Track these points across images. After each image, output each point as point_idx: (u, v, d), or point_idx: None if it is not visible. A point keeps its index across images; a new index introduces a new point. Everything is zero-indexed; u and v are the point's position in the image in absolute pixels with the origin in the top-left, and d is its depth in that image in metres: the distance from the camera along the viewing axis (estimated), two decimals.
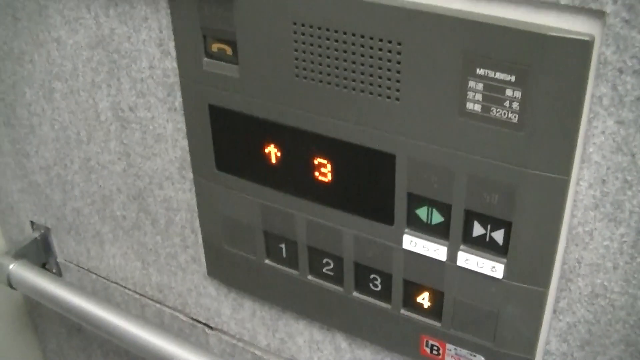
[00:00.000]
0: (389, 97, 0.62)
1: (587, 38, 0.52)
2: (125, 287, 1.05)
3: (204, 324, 0.98)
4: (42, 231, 1.11)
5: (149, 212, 0.92)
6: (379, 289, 0.75)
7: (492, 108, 0.58)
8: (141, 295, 1.03)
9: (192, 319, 0.99)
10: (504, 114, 0.57)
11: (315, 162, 0.70)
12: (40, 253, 1.12)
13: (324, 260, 0.77)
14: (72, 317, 1.06)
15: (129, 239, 0.98)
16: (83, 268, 1.09)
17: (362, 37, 0.61)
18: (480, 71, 0.57)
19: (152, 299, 1.02)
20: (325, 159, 0.69)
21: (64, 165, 0.98)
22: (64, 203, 1.03)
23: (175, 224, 0.90)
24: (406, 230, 0.69)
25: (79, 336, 1.24)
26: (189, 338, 1.01)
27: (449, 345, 0.73)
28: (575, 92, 0.54)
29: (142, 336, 0.99)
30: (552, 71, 0.54)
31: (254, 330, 0.93)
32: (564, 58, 0.53)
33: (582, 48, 0.53)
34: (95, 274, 1.08)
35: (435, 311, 0.72)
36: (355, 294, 0.77)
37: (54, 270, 1.14)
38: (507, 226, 0.63)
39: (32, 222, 1.11)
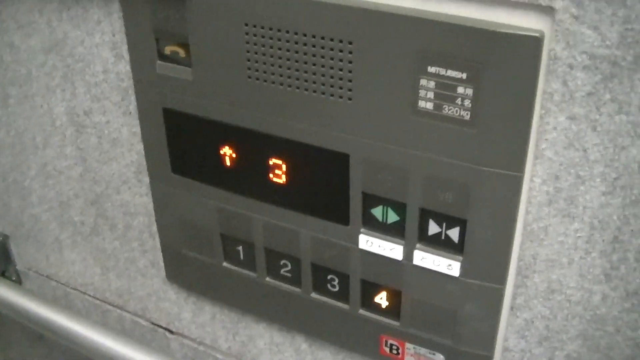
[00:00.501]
0: (341, 97, 0.62)
1: (537, 34, 0.52)
2: (85, 294, 1.04)
3: (165, 329, 0.98)
4: (0, 239, 1.09)
5: (107, 217, 0.92)
6: (337, 289, 0.75)
7: (444, 106, 0.58)
8: (102, 301, 1.02)
9: (153, 323, 0.98)
10: (456, 111, 0.58)
11: (270, 163, 0.70)
12: None
13: (282, 262, 0.77)
14: (33, 326, 1.05)
15: (88, 245, 0.97)
16: (43, 275, 1.08)
17: (313, 37, 0.61)
18: (431, 69, 0.57)
19: (112, 305, 1.02)
20: (280, 160, 0.69)
21: (20, 171, 0.97)
22: (22, 210, 1.02)
23: (133, 229, 0.90)
24: (362, 230, 0.69)
25: (41, 344, 1.22)
26: (151, 343, 1.00)
27: (408, 345, 0.73)
28: (527, 88, 0.55)
29: (104, 343, 0.99)
30: (503, 68, 0.54)
31: (214, 334, 0.92)
32: (514, 54, 0.54)
33: (532, 44, 0.53)
34: (55, 280, 1.07)
35: (394, 311, 0.72)
36: (313, 295, 0.77)
37: (14, 278, 1.13)
38: (462, 224, 0.63)
39: None
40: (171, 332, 0.97)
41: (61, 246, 1.01)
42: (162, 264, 0.90)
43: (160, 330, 0.98)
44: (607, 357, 0.64)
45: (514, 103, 0.55)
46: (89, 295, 1.04)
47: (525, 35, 0.53)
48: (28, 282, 1.11)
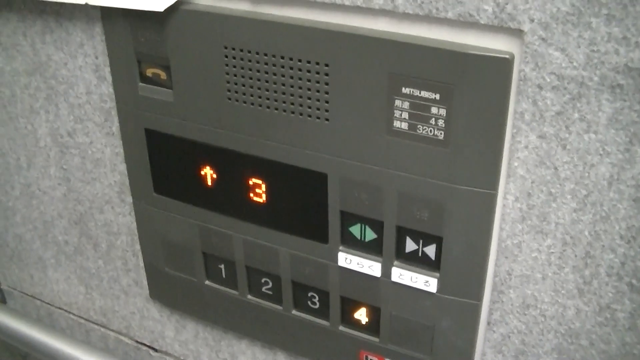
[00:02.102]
0: (318, 118, 0.63)
1: (506, 56, 0.54)
2: (69, 312, 1.04)
3: (149, 347, 0.98)
4: None
5: (91, 237, 0.92)
6: (317, 306, 0.75)
7: (418, 126, 0.59)
8: (85, 320, 1.03)
9: (137, 341, 0.99)
10: (430, 131, 0.59)
11: (250, 183, 0.71)
12: None
13: (263, 280, 0.77)
14: (18, 345, 1.05)
15: (72, 264, 0.97)
16: (27, 294, 1.08)
17: (291, 59, 0.62)
18: (405, 90, 0.58)
19: (96, 324, 1.02)
20: (260, 179, 0.70)
21: (4, 191, 0.97)
22: (6, 229, 1.02)
23: (117, 248, 0.90)
24: (341, 247, 0.69)
25: None
26: None
27: None
28: (498, 108, 0.56)
29: None
30: (475, 89, 0.55)
31: (197, 352, 0.92)
32: (485, 76, 0.55)
33: (502, 66, 0.54)
34: (40, 299, 1.07)
35: (373, 327, 0.73)
36: (294, 312, 0.77)
37: None
38: (439, 241, 0.64)
39: None
40: (155, 350, 0.97)
41: (45, 265, 1.01)
42: (145, 282, 0.90)
43: (144, 348, 0.98)
44: None
45: (486, 122, 0.56)
46: (73, 314, 1.04)
47: (495, 57, 0.54)
48: (12, 301, 1.11)
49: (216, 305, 0.83)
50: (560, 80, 0.53)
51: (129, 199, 0.84)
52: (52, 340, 1.02)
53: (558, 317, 0.63)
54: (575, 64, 0.52)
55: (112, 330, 1.00)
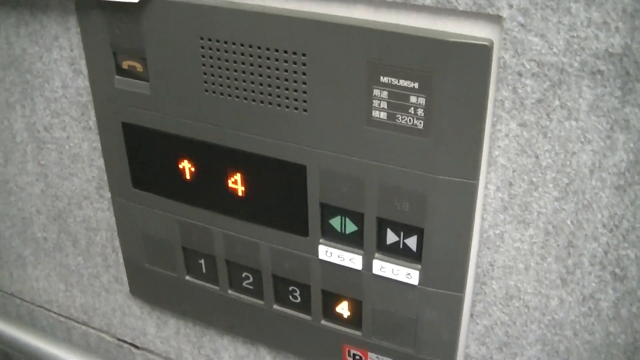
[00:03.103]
0: (296, 109, 0.62)
1: (485, 43, 0.53)
2: (50, 310, 1.03)
3: (130, 344, 0.97)
4: None
5: (70, 233, 0.91)
6: (298, 300, 0.75)
7: (397, 115, 0.58)
8: (66, 317, 1.02)
9: (118, 339, 0.98)
10: (410, 120, 0.58)
11: (228, 176, 0.70)
12: None
13: (243, 274, 0.77)
14: None
15: (51, 261, 0.97)
16: (6, 292, 1.07)
17: (267, 49, 0.61)
18: (384, 79, 0.57)
19: (77, 321, 1.01)
20: (238, 172, 0.69)
21: None
22: None
23: (96, 244, 0.89)
24: (321, 240, 0.69)
25: None
26: (116, 359, 1.00)
27: (371, 354, 0.73)
28: (478, 96, 0.55)
29: None
30: (454, 76, 0.55)
31: (179, 348, 0.92)
32: (464, 63, 0.54)
33: (481, 53, 0.53)
34: (19, 298, 1.06)
35: (356, 320, 0.72)
36: (275, 306, 0.77)
37: None
38: (420, 232, 0.64)
39: None
40: (136, 347, 0.97)
41: (24, 263, 1.00)
42: (125, 278, 0.89)
43: (126, 345, 0.97)
44: None
45: (466, 111, 0.56)
46: (54, 312, 1.03)
47: (474, 44, 0.53)
48: None
49: (197, 301, 0.82)
50: (540, 67, 0.52)
51: (108, 194, 0.83)
52: (33, 339, 1.01)
53: (541, 307, 0.63)
54: (555, 50, 0.51)
55: (94, 328, 1.00)
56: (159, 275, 0.83)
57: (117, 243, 0.87)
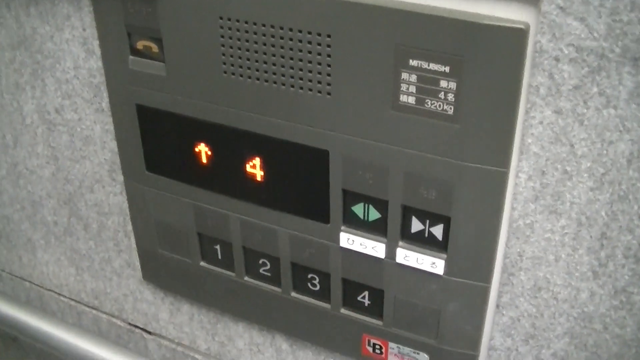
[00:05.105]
0: (320, 92, 0.61)
1: (521, 26, 0.51)
2: (60, 295, 1.02)
3: (142, 329, 0.96)
4: None
5: (81, 217, 0.90)
6: (317, 288, 0.73)
7: (426, 100, 0.56)
8: (77, 302, 1.01)
9: (130, 324, 0.97)
10: (439, 105, 0.56)
11: (247, 160, 0.68)
12: None
13: (260, 261, 0.75)
14: (7, 328, 1.04)
15: (62, 245, 0.96)
16: (16, 276, 1.06)
17: (291, 30, 0.59)
18: (413, 62, 0.56)
19: (88, 306, 1.00)
20: (257, 157, 0.68)
21: None
22: None
23: (108, 228, 0.88)
24: (343, 228, 0.67)
25: (16, 346, 1.21)
26: (128, 344, 0.99)
27: (391, 344, 0.72)
28: (512, 82, 0.53)
29: (80, 345, 0.99)
30: (487, 61, 0.53)
31: (193, 334, 0.91)
32: (498, 47, 0.52)
33: (516, 37, 0.52)
34: (29, 281, 1.05)
35: (376, 310, 0.71)
36: (293, 294, 0.75)
37: None
38: (446, 221, 0.62)
39: None
40: (149, 332, 0.96)
41: (34, 247, 0.99)
42: (138, 264, 0.88)
43: (138, 331, 0.97)
44: (594, 355, 0.63)
45: (498, 97, 0.54)
46: (64, 297, 1.02)
47: (509, 27, 0.51)
48: (1, 283, 1.10)
49: (212, 287, 0.81)
50: (579, 52, 0.51)
51: (120, 178, 0.82)
52: (43, 323, 1.01)
53: (571, 300, 0.62)
54: (595, 34, 0.50)
55: (105, 313, 0.99)
56: (172, 260, 0.82)
57: (129, 228, 0.86)
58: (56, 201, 0.91)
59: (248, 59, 0.63)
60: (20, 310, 1.03)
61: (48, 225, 0.95)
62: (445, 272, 0.64)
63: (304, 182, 0.67)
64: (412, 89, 0.57)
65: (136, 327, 0.97)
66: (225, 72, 0.64)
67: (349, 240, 0.67)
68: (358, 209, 0.66)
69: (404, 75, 0.56)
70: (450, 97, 0.55)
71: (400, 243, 0.65)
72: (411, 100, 0.57)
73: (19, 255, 1.02)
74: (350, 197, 0.66)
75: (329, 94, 0.60)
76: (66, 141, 0.84)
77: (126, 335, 0.98)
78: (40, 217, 0.95)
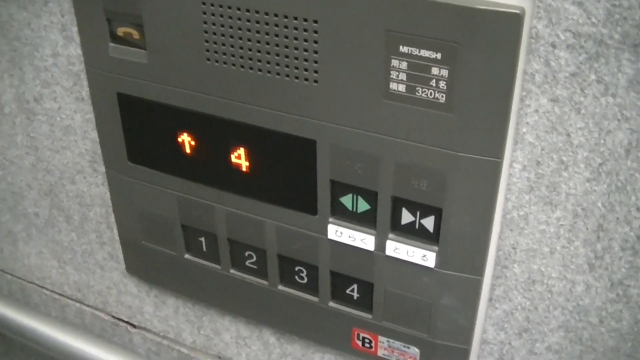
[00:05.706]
0: (306, 80, 0.59)
1: (516, 11, 0.50)
2: (43, 287, 1.01)
3: (127, 323, 0.95)
4: None
5: (62, 209, 0.89)
6: (305, 281, 0.72)
7: (417, 88, 0.55)
8: (60, 295, 1.00)
9: (114, 317, 0.96)
10: (431, 93, 0.55)
11: (232, 150, 0.67)
12: None
13: (247, 253, 0.74)
14: None
15: (43, 237, 0.94)
16: None
17: (276, 15, 0.58)
18: (403, 49, 0.54)
19: (71, 299, 0.99)
20: (243, 147, 0.66)
21: None
22: None
23: (90, 220, 0.87)
24: (331, 219, 0.66)
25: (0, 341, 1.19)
26: (112, 338, 0.98)
27: (381, 338, 0.71)
28: (506, 69, 0.52)
29: (63, 338, 0.98)
30: (481, 47, 0.52)
31: (178, 328, 0.90)
32: (492, 33, 0.51)
33: (511, 22, 0.50)
34: (11, 274, 1.04)
35: (366, 303, 0.70)
36: (280, 287, 0.74)
37: None
38: (438, 213, 0.61)
39: None
40: (133, 326, 0.95)
41: (15, 239, 0.98)
42: (121, 256, 0.87)
43: (122, 324, 0.95)
44: (590, 349, 0.63)
45: (492, 84, 0.53)
46: (47, 290, 1.01)
47: (504, 12, 0.50)
48: None
49: (197, 280, 0.80)
50: (577, 38, 0.49)
51: (102, 169, 0.81)
52: (26, 317, 1.01)
53: (566, 293, 0.61)
54: (594, 20, 0.48)
55: (88, 306, 0.98)
56: (156, 253, 0.81)
57: (112, 219, 0.85)
58: (37, 192, 0.90)
59: (232, 46, 0.61)
60: (1, 303, 1.01)
61: (29, 217, 0.94)
62: (437, 265, 0.63)
63: (290, 173, 0.65)
64: (403, 76, 0.55)
65: (120, 320, 0.96)
66: (208, 60, 0.63)
67: (337, 232, 0.66)
68: (347, 200, 0.65)
69: (394, 63, 0.55)
70: (442, 84, 0.54)
71: (390, 235, 0.64)
72: (402, 88, 0.56)
73: (1, 247, 1.01)
74: (339, 188, 0.64)
75: (316, 81, 0.59)
76: (46, 131, 0.83)
77: (110, 329, 0.97)
78: (21, 208, 0.94)
